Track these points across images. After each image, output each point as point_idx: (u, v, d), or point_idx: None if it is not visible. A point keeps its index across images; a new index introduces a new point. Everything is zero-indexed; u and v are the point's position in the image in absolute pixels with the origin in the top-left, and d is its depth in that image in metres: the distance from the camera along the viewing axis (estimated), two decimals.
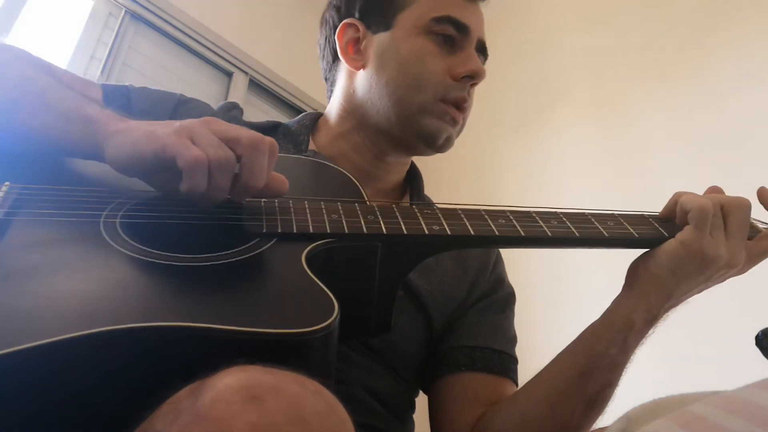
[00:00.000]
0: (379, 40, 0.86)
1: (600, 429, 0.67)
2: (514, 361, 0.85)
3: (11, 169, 0.59)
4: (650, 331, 0.69)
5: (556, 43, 2.56)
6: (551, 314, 2.00)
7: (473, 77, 0.83)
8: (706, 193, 0.71)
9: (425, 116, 0.81)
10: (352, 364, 0.74)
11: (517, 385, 0.83)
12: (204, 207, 0.56)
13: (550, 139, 2.42)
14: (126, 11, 2.22)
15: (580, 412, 0.68)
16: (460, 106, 0.83)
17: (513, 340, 0.87)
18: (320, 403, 0.33)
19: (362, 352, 0.75)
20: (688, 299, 0.70)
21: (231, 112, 0.90)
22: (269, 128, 0.90)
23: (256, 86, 2.67)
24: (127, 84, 0.83)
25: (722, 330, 1.54)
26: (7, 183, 0.56)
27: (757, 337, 0.59)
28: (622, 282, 0.71)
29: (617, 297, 0.70)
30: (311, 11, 3.23)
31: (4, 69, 0.65)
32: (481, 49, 0.88)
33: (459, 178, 2.56)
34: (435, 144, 0.84)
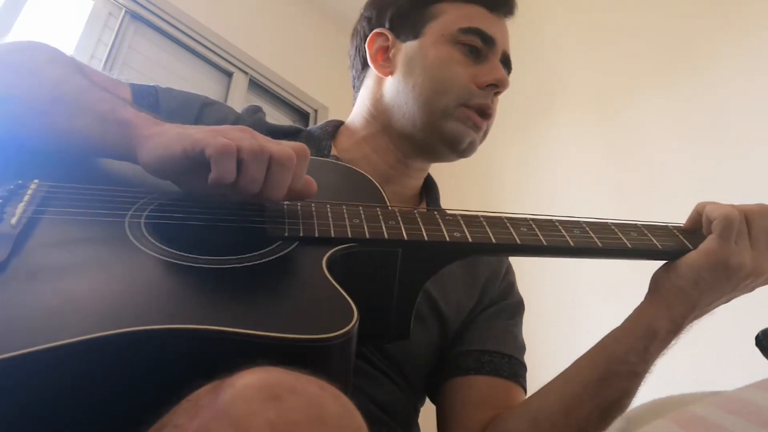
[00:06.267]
0: (407, 48, 0.88)
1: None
2: (524, 367, 0.85)
3: (41, 167, 0.60)
4: (673, 342, 0.67)
5: (557, 44, 2.56)
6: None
7: (497, 86, 0.85)
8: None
9: (448, 120, 0.83)
10: (358, 375, 0.73)
11: (525, 391, 0.83)
12: (235, 198, 0.55)
13: (550, 141, 2.42)
14: (126, 11, 2.22)
15: (596, 419, 0.67)
16: (484, 112, 0.84)
17: (522, 347, 0.87)
18: (339, 405, 0.34)
19: (370, 360, 0.75)
20: (715, 309, 0.68)
21: (256, 115, 0.91)
22: (292, 132, 0.91)
23: (256, 86, 2.67)
24: (154, 84, 0.84)
25: (722, 330, 1.54)
26: (36, 181, 0.57)
27: (757, 337, 0.59)
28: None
29: (640, 305, 0.69)
30: (311, 11, 3.23)
31: (41, 69, 0.65)
32: (505, 62, 0.90)
33: (459, 179, 2.55)
34: (458, 148, 0.85)
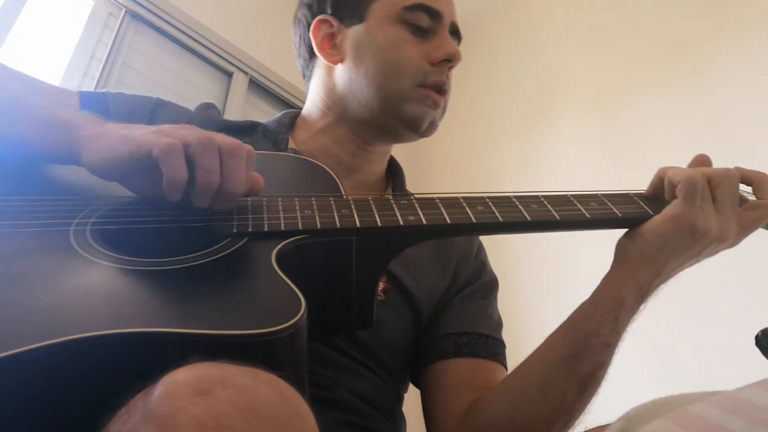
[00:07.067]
0: (353, 33, 0.86)
1: (600, 428, 0.67)
2: (501, 344, 0.85)
3: None
4: (641, 308, 0.67)
5: (557, 43, 2.56)
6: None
7: (450, 60, 0.84)
8: (691, 164, 0.70)
9: (406, 102, 0.82)
10: (337, 368, 0.73)
11: (506, 368, 0.83)
12: (198, 204, 0.54)
13: (550, 141, 2.42)
14: (126, 11, 2.22)
15: (573, 395, 0.67)
16: (440, 89, 0.84)
17: (498, 324, 0.87)
18: (273, 393, 0.33)
19: (347, 353, 0.75)
20: (679, 273, 0.68)
21: (207, 112, 0.89)
22: (248, 127, 0.90)
23: (256, 86, 2.67)
24: (103, 90, 0.84)
25: (722, 330, 1.54)
26: None
27: (757, 337, 0.59)
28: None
29: (606, 275, 0.68)
30: None
31: None
32: (455, 32, 0.88)
33: (459, 179, 2.55)
34: (419, 129, 0.84)
